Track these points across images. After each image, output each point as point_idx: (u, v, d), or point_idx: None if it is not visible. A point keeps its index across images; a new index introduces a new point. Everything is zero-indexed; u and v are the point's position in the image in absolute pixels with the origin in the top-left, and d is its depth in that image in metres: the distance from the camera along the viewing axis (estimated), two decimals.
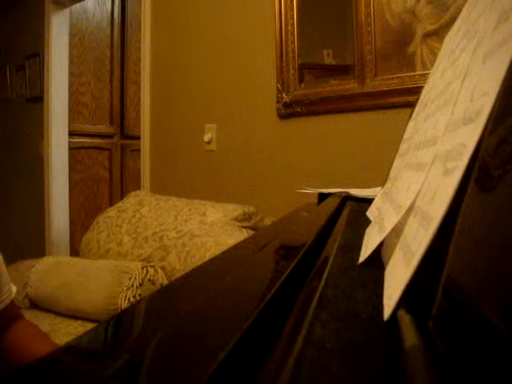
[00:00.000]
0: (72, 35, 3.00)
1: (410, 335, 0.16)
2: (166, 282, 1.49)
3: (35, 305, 1.65)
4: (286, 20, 1.72)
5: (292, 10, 1.71)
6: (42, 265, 1.71)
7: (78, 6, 3.01)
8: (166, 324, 0.19)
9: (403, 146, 0.52)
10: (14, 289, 0.72)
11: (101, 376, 0.15)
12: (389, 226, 0.29)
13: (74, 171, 3.06)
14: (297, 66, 1.72)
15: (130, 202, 1.94)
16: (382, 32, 1.49)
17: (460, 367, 0.13)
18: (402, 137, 0.59)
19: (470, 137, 0.18)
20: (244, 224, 1.59)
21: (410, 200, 0.25)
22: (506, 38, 0.17)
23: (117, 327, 0.21)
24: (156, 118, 2.27)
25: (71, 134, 2.97)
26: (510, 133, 0.15)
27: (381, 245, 0.30)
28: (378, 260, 0.30)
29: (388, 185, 0.54)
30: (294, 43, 1.72)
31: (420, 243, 0.19)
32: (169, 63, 2.20)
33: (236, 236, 1.47)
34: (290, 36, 1.72)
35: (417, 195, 0.25)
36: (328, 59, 1.74)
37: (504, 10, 0.19)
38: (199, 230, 1.56)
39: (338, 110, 1.61)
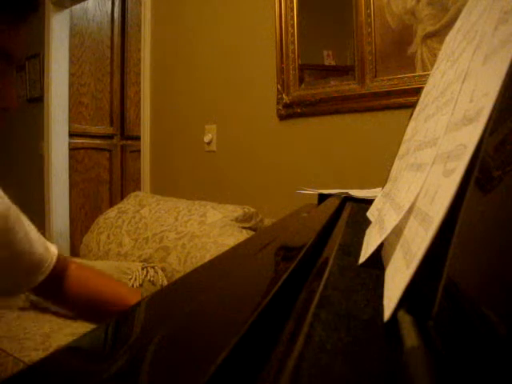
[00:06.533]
0: (72, 36, 3.00)
1: (410, 336, 0.16)
2: (166, 282, 1.49)
3: (36, 305, 1.65)
4: (286, 21, 1.72)
5: (292, 10, 1.71)
6: None
7: (78, 6, 3.01)
8: (167, 325, 0.19)
9: (403, 147, 0.52)
10: (54, 247, 0.74)
11: (101, 377, 0.15)
12: (389, 226, 0.29)
13: (74, 172, 3.06)
14: (297, 66, 1.72)
15: (130, 202, 1.94)
16: (382, 33, 1.49)
17: (460, 367, 0.13)
18: (402, 137, 0.59)
19: (470, 137, 0.18)
20: (244, 225, 1.59)
21: (411, 201, 0.26)
22: (506, 39, 0.17)
23: (117, 328, 0.21)
24: (156, 119, 2.27)
25: (71, 134, 2.97)
26: (510, 134, 0.15)
27: (381, 245, 0.30)
28: (378, 261, 0.30)
29: (388, 185, 0.54)
30: (294, 44, 1.72)
31: (420, 244, 0.19)
32: (169, 64, 2.20)
33: (236, 237, 1.47)
34: (290, 37, 1.72)
35: (417, 196, 0.25)
36: (328, 60, 1.75)
37: (504, 11, 0.19)
38: (199, 230, 1.56)
39: (338, 111, 1.61)
